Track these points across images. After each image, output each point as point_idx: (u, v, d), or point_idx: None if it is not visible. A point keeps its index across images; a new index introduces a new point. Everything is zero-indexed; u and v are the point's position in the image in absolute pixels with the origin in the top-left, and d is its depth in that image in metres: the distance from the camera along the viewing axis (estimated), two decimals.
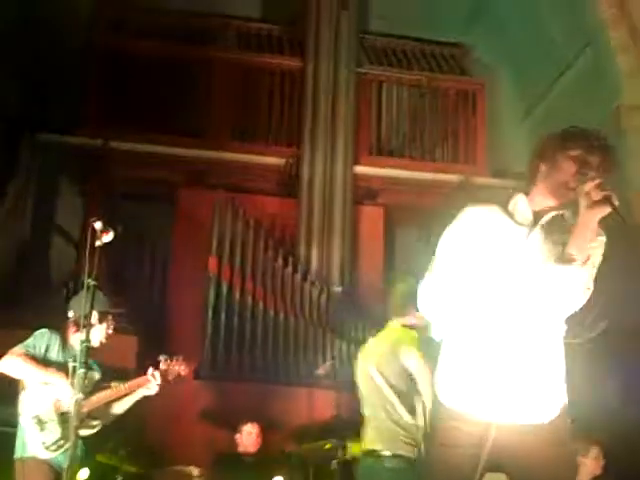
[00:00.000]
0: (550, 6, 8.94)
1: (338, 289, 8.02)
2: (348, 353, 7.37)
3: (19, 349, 4.19)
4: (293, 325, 7.60)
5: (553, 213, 2.84)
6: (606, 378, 7.14)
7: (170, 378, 4.59)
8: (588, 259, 2.69)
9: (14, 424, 4.27)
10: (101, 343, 4.47)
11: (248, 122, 8.82)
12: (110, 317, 4.52)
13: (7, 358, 4.14)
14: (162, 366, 4.58)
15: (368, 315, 7.52)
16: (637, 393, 6.93)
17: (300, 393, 7.01)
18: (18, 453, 4.20)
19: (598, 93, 8.50)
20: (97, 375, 4.50)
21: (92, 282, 3.22)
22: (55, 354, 4.29)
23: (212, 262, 7.59)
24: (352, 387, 6.61)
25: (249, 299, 7.64)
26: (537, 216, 2.85)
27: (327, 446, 5.47)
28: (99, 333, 4.42)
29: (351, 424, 6.10)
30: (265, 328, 7.56)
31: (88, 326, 3.30)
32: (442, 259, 2.86)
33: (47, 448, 4.14)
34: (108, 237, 3.38)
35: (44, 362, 4.21)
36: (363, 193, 8.82)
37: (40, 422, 4.15)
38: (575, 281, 2.70)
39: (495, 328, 2.75)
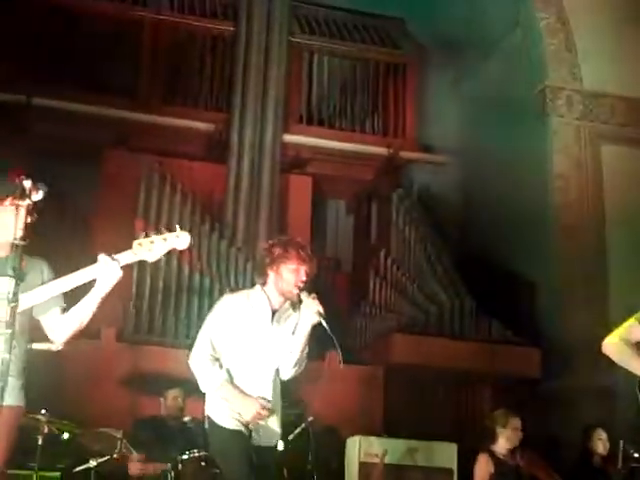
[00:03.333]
0: None
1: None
2: None
3: None
4: (218, 291, 7.58)
5: (284, 306, 4.10)
6: None
7: (158, 254, 3.44)
8: (306, 347, 4.04)
9: None
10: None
11: (178, 85, 8.70)
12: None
13: None
14: (134, 244, 3.44)
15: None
16: None
17: None
18: None
19: (525, 73, 8.69)
20: None
21: (20, 242, 3.12)
22: None
23: (138, 225, 7.48)
24: None
25: (174, 263, 7.60)
26: (274, 308, 4.08)
27: None
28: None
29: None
30: (190, 293, 7.53)
31: (17, 292, 3.12)
32: (206, 333, 4.06)
33: None
34: (37, 195, 3.25)
35: None
36: (292, 162, 8.83)
37: None
38: (294, 363, 4.08)
39: (247, 382, 4.02)
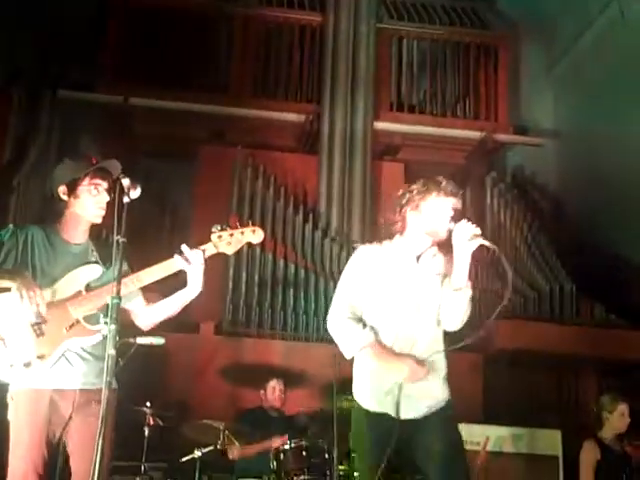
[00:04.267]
0: None
1: (358, 245, 8.00)
2: None
3: None
4: (314, 282, 7.62)
5: (429, 250, 3.62)
6: None
7: (236, 247, 3.54)
8: (469, 284, 3.49)
9: None
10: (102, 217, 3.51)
11: (268, 78, 8.76)
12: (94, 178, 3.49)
13: None
14: (214, 237, 3.49)
15: None
16: None
17: (321, 350, 7.04)
18: None
19: (623, 48, 8.36)
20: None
21: (122, 239, 3.19)
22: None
23: (233, 219, 7.54)
24: None
25: (270, 256, 7.67)
26: (418, 254, 3.61)
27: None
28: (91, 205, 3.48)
29: None
30: (286, 285, 7.59)
31: (117, 285, 3.19)
32: (343, 292, 3.63)
33: None
34: (135, 193, 3.32)
35: None
36: (383, 149, 8.79)
37: None
38: (464, 305, 3.51)
39: (393, 341, 3.53)
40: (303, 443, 5.49)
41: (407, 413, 3.47)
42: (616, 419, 5.51)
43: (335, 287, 7.38)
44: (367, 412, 3.53)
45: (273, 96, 8.69)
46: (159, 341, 3.39)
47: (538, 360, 7.45)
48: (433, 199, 3.53)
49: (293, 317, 7.48)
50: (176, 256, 3.42)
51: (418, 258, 3.61)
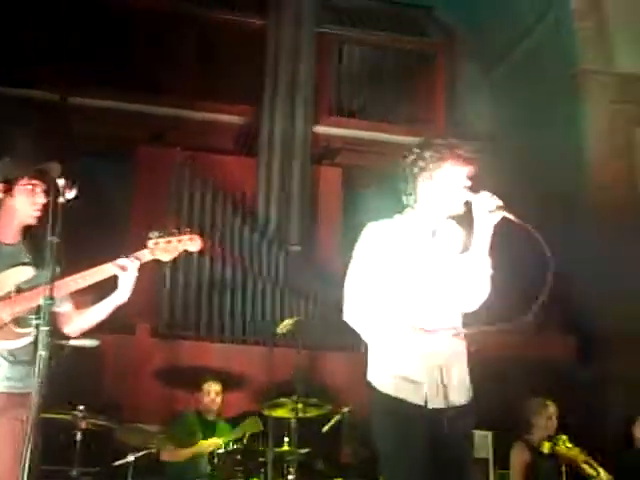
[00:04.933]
0: None
1: (296, 248, 8.04)
2: (306, 311, 7.44)
3: None
4: (252, 284, 7.61)
5: (446, 223, 3.29)
6: None
7: (172, 254, 3.49)
8: (489, 261, 3.16)
9: None
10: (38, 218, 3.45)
11: (209, 80, 8.72)
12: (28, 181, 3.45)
13: None
14: (151, 244, 3.46)
15: (327, 274, 7.56)
16: None
17: (259, 352, 7.05)
18: None
19: (557, 58, 8.58)
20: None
21: (55, 240, 3.14)
22: None
23: (171, 221, 7.52)
24: (311, 345, 6.70)
25: (208, 258, 7.63)
26: (434, 228, 3.26)
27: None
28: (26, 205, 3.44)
29: (310, 382, 6.20)
30: (224, 287, 7.56)
31: (50, 286, 3.14)
32: (357, 275, 3.20)
33: None
34: (71, 194, 3.27)
35: None
36: (322, 153, 8.83)
37: None
38: (481, 281, 3.17)
39: (414, 324, 3.12)
40: (238, 447, 5.48)
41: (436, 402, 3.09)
42: (544, 421, 5.63)
43: (273, 289, 7.52)
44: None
45: (213, 98, 8.66)
46: (92, 343, 3.34)
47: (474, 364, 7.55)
48: (449, 168, 3.18)
49: (231, 319, 7.46)
50: (111, 264, 3.38)
51: (434, 233, 3.27)
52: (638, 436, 6.12)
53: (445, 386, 3.11)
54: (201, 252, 7.50)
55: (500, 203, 3.06)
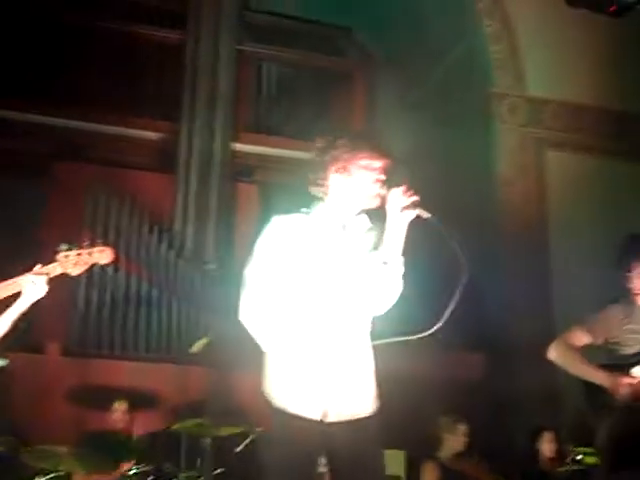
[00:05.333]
0: None
1: (212, 266, 8.01)
2: (221, 330, 7.39)
3: None
4: (166, 302, 7.54)
5: (358, 219, 3.05)
6: None
7: (83, 268, 3.44)
8: (400, 261, 2.94)
9: None
10: None
11: (126, 94, 8.61)
12: None
13: None
14: (60, 257, 3.42)
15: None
16: None
17: (173, 370, 6.98)
18: None
19: (471, 81, 8.79)
20: None
21: None
22: None
23: (86, 237, 7.39)
24: (226, 365, 6.65)
25: (122, 275, 7.54)
26: (344, 223, 3.02)
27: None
28: None
29: (223, 402, 6.16)
30: (138, 305, 7.47)
31: None
32: (256, 272, 2.97)
33: None
34: None
35: None
36: (240, 170, 8.80)
37: None
38: (391, 283, 2.93)
39: (315, 330, 2.89)
40: (150, 468, 5.41)
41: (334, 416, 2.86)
42: (455, 440, 5.73)
43: (188, 308, 7.47)
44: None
45: (131, 113, 8.56)
46: (1, 362, 3.28)
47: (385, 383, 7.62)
48: (363, 159, 2.97)
49: (145, 338, 7.38)
50: (19, 278, 3.33)
51: (344, 228, 3.02)
52: (543, 451, 6.26)
53: (346, 398, 2.86)
54: (116, 269, 7.44)
55: (415, 199, 2.87)
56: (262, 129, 9.07)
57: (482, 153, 8.49)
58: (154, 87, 8.76)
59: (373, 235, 3.03)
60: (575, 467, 5.74)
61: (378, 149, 2.99)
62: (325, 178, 3.04)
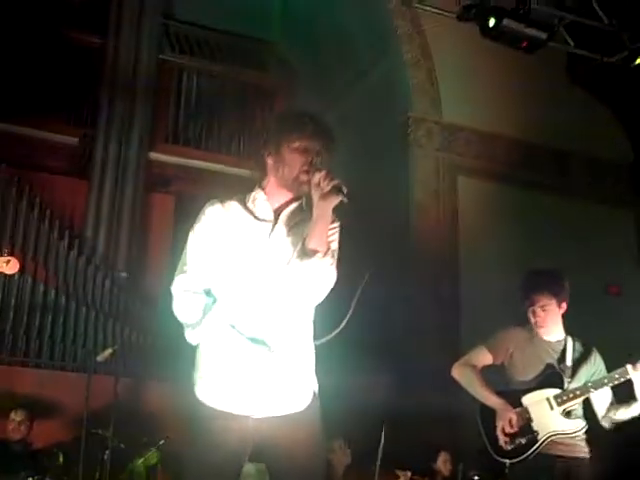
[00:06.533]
0: (352, 15, 9.28)
1: (123, 275, 7.92)
2: (130, 340, 7.32)
3: None
4: (74, 309, 7.42)
5: (291, 207, 2.88)
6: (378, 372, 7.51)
7: None
8: (328, 250, 2.73)
9: None
10: None
11: (41, 96, 8.45)
12: None
13: None
14: None
15: (153, 303, 7.49)
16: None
17: (77, 379, 6.85)
18: None
19: (390, 104, 8.94)
20: None
21: None
22: None
23: None
24: (134, 374, 6.59)
25: (30, 280, 7.38)
26: (277, 211, 2.87)
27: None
28: None
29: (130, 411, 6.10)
30: (45, 311, 7.33)
31: None
32: (187, 259, 2.85)
33: None
34: None
35: None
36: (156, 180, 8.75)
37: None
38: (319, 273, 2.72)
39: (244, 324, 2.76)
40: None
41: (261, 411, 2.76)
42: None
43: (96, 316, 7.37)
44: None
45: (46, 116, 8.40)
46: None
47: None
48: (295, 142, 2.80)
49: (49, 344, 7.24)
50: None
51: (276, 216, 2.87)
52: (439, 471, 6.37)
53: (275, 394, 2.75)
54: (23, 273, 7.28)
55: (336, 183, 2.67)
56: (180, 140, 9.04)
57: (398, 176, 8.61)
58: (72, 91, 8.63)
59: (304, 225, 2.82)
60: None
61: (312, 130, 2.81)
62: (262, 162, 2.89)
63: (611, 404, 4.12)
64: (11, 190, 7.67)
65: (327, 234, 2.73)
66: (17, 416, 6.02)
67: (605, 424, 4.12)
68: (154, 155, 8.64)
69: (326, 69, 9.91)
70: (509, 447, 4.01)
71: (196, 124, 9.23)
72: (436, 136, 8.71)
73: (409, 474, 5.94)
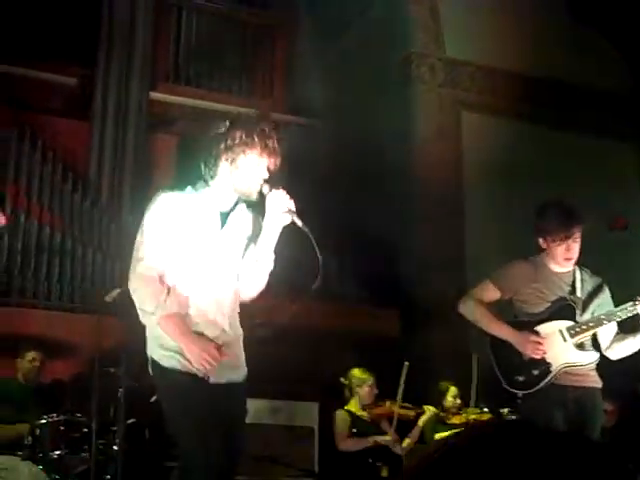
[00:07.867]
0: None
1: (128, 217, 7.92)
2: None
3: None
4: (81, 252, 7.44)
5: (238, 209, 3.27)
6: None
7: None
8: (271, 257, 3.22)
9: None
10: None
11: (39, 35, 8.34)
12: None
13: None
14: None
15: None
16: None
17: (86, 320, 6.90)
18: None
19: (392, 40, 8.81)
20: None
21: None
22: None
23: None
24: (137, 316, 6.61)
25: (35, 222, 7.39)
26: (223, 209, 3.23)
27: None
28: None
29: (137, 353, 6.14)
30: (51, 254, 7.35)
31: None
32: (143, 245, 3.13)
33: None
34: None
35: None
36: (158, 121, 8.69)
37: None
38: (260, 277, 3.26)
39: (198, 303, 3.15)
40: (61, 417, 5.36)
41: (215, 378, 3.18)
42: (364, 390, 5.90)
43: (103, 258, 7.38)
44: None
45: (43, 55, 8.29)
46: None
47: (299, 336, 7.72)
48: (253, 156, 3.15)
49: (58, 287, 7.28)
50: None
51: (224, 214, 3.24)
52: (448, 406, 6.43)
53: (223, 364, 3.14)
54: (29, 216, 7.28)
55: (292, 207, 3.14)
56: (182, 80, 8.96)
57: (400, 113, 8.53)
58: (71, 31, 8.51)
59: (251, 223, 3.29)
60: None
61: (269, 148, 3.16)
62: (215, 165, 3.19)
63: (617, 334, 4.13)
64: (13, 132, 7.62)
65: (273, 246, 3.21)
66: (29, 356, 6.08)
67: (610, 355, 4.14)
68: (155, 95, 8.56)
69: (327, 6, 9.75)
70: (523, 378, 4.02)
71: (197, 63, 9.14)
72: (439, 72, 8.60)
73: (432, 408, 5.99)
